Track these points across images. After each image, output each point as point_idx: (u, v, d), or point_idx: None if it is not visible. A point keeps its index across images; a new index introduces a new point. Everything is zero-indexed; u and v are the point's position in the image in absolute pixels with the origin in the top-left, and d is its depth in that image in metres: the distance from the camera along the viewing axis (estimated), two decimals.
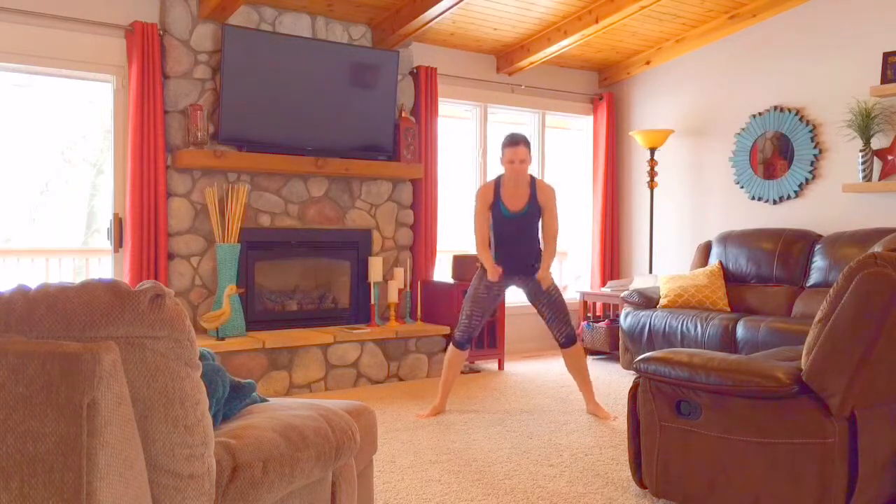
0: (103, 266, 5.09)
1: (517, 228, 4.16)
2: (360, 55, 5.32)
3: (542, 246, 4.25)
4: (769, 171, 5.75)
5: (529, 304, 4.36)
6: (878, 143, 5.09)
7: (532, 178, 4.17)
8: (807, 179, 5.49)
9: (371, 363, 5.10)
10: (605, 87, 6.95)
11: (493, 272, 4.11)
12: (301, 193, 5.27)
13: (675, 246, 6.45)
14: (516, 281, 4.26)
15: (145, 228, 4.61)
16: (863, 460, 2.39)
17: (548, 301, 4.19)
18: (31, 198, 5.54)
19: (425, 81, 5.73)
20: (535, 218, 4.18)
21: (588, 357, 4.37)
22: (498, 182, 4.17)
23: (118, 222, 4.76)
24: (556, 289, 4.21)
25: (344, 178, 5.43)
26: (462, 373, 5.46)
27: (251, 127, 4.91)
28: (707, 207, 6.22)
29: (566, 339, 4.21)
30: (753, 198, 5.85)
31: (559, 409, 4.39)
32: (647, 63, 6.53)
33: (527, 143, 4.09)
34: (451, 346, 4.28)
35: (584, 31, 5.60)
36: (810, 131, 5.46)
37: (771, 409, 2.48)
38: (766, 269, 5.31)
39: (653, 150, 6.21)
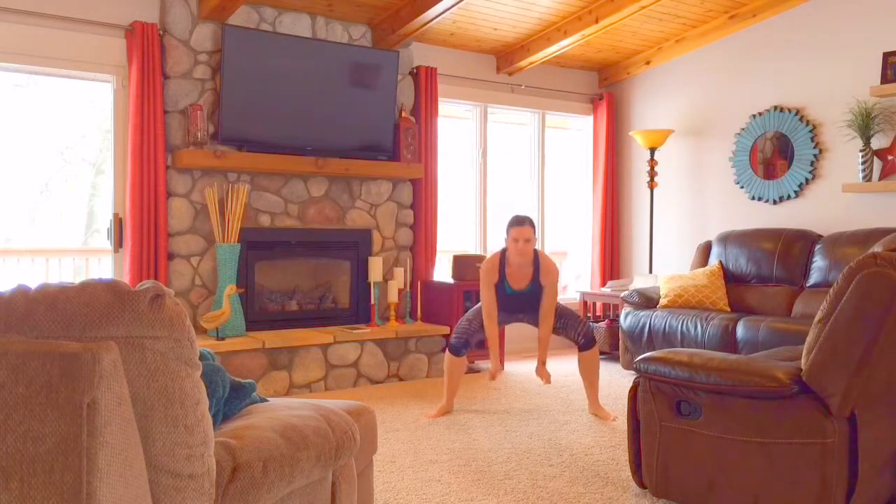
0: (103, 266, 5.09)
1: (521, 302, 4.23)
2: (360, 55, 5.32)
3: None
4: (769, 171, 5.75)
5: None
6: (878, 143, 5.09)
7: (536, 256, 4.16)
8: (807, 179, 5.49)
9: (371, 363, 5.10)
10: (605, 87, 6.96)
11: (494, 371, 4.18)
12: (301, 193, 5.27)
13: (675, 246, 6.45)
14: (521, 318, 4.34)
15: (145, 228, 4.61)
16: (863, 460, 2.39)
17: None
18: (31, 198, 5.54)
19: (425, 81, 5.73)
20: (538, 293, 4.20)
21: (599, 360, 4.38)
22: (502, 260, 4.17)
23: (118, 222, 4.76)
24: (558, 304, 4.26)
25: (344, 178, 5.43)
26: None
27: (251, 127, 4.91)
28: (707, 207, 6.22)
29: (586, 340, 4.22)
30: (753, 198, 5.85)
31: (559, 409, 4.39)
32: (647, 63, 6.53)
33: (531, 223, 4.12)
34: (447, 354, 4.26)
35: (584, 31, 5.60)
36: (810, 131, 5.46)
37: (771, 409, 2.48)
38: (766, 269, 5.31)
39: (653, 150, 6.21)
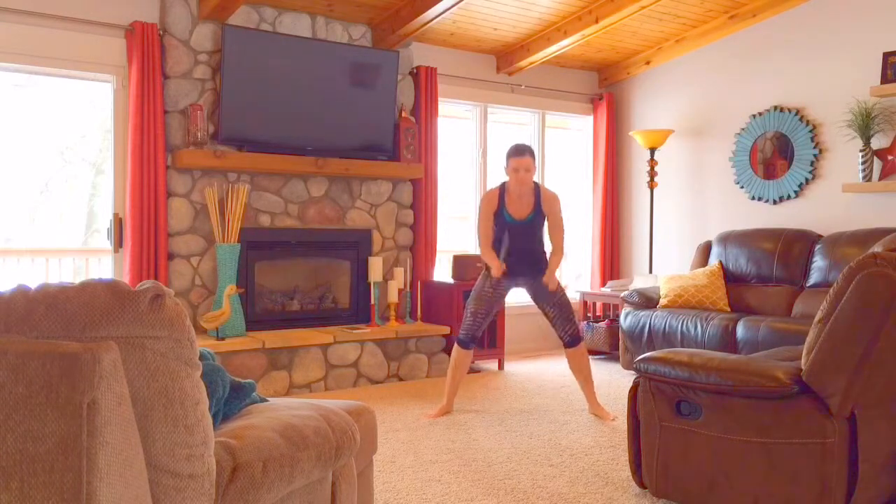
0: (103, 266, 5.08)
1: (521, 235, 4.18)
2: (360, 55, 5.32)
3: (546, 251, 4.26)
4: (769, 171, 5.75)
5: (531, 303, 4.37)
6: (878, 143, 5.09)
7: (536, 186, 4.18)
8: (807, 179, 5.49)
9: (371, 363, 5.10)
10: (605, 87, 6.95)
11: (498, 269, 4.11)
12: (301, 193, 5.27)
13: (675, 246, 6.45)
14: (521, 282, 4.27)
15: (145, 228, 4.61)
16: (863, 460, 2.39)
17: (553, 302, 4.20)
18: (31, 198, 5.53)
19: (425, 81, 5.73)
20: (538, 225, 4.20)
21: (588, 357, 4.38)
22: (503, 189, 4.18)
23: (118, 222, 4.76)
24: (561, 289, 4.23)
25: (344, 178, 5.43)
26: None
27: (251, 127, 4.91)
28: (707, 207, 6.22)
29: (571, 339, 4.22)
30: (753, 198, 5.85)
31: (559, 409, 4.39)
32: (647, 63, 6.53)
33: (531, 153, 4.12)
34: (455, 347, 4.27)
35: (584, 31, 5.60)
36: (810, 131, 5.46)
37: (771, 409, 2.48)
38: (766, 269, 5.31)
39: (653, 150, 6.21)
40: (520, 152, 4.09)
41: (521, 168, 4.06)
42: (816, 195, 5.48)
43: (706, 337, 4.87)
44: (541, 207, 4.15)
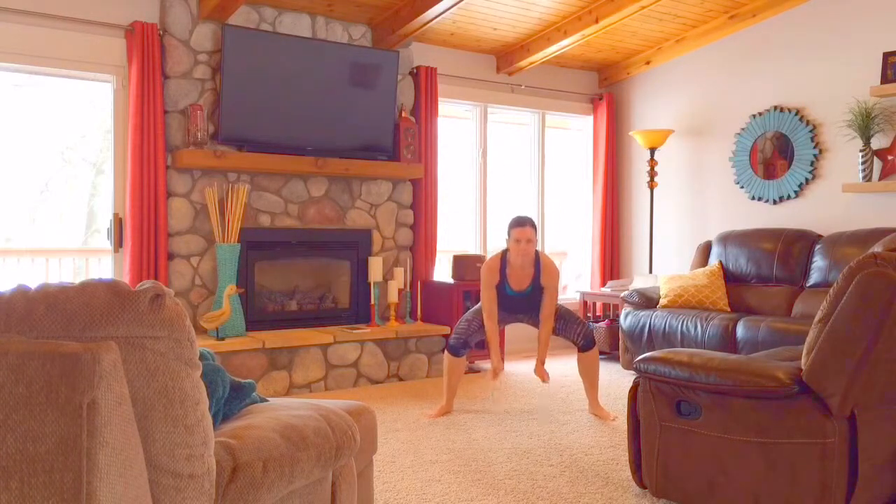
0: (103, 266, 5.08)
1: (521, 302, 4.26)
2: (360, 55, 5.32)
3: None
4: (769, 171, 5.75)
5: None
6: (878, 143, 5.09)
7: (537, 257, 4.19)
8: (807, 179, 5.49)
9: (371, 363, 5.10)
10: (605, 87, 6.95)
11: (495, 368, 4.19)
12: (301, 193, 5.28)
13: (675, 246, 6.45)
14: (521, 318, 4.36)
15: (145, 228, 4.61)
16: (863, 460, 2.39)
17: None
18: (31, 198, 5.53)
19: (425, 81, 5.73)
20: (538, 294, 4.23)
21: (599, 361, 4.39)
22: (503, 261, 4.19)
23: (118, 222, 4.76)
24: (558, 306, 4.26)
25: (344, 178, 5.43)
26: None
27: (251, 127, 4.91)
28: (707, 207, 6.22)
29: (585, 341, 4.23)
30: (753, 198, 5.85)
31: (559, 409, 4.39)
32: (647, 63, 6.53)
33: (532, 224, 4.15)
34: (446, 355, 4.26)
35: (584, 31, 5.60)
36: (810, 131, 5.46)
37: (771, 409, 2.48)
38: (766, 269, 5.31)
39: (653, 150, 6.21)
40: (521, 223, 4.12)
41: (523, 239, 4.09)
42: (816, 195, 5.48)
43: (706, 337, 4.87)
44: (540, 281, 4.18)
